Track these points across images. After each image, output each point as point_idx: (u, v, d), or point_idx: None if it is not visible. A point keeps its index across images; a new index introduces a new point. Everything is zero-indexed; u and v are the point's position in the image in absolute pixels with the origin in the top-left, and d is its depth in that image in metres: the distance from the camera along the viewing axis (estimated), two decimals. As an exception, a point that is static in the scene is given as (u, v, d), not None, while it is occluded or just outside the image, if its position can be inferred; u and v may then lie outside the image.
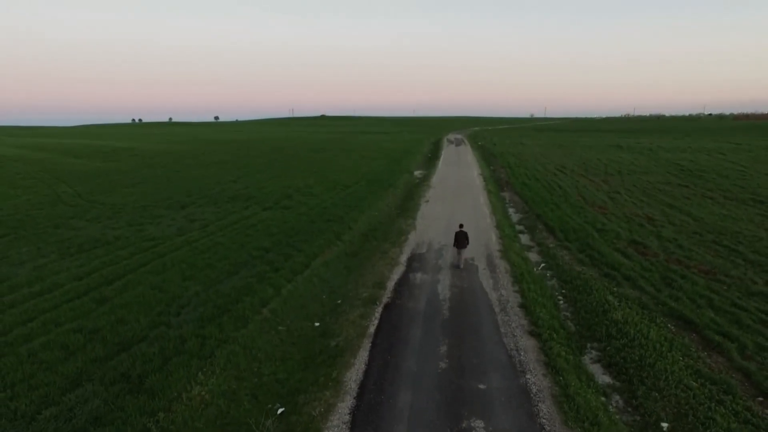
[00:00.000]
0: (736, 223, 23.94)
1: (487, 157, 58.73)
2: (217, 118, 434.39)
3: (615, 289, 15.13)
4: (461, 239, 16.59)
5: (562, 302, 14.35)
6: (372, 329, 12.00)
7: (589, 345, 11.72)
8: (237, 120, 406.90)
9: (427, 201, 29.30)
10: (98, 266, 17.12)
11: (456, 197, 30.25)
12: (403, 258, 17.84)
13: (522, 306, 13.29)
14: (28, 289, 14.92)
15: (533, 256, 19.01)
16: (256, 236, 20.78)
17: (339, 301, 14.43)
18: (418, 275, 15.87)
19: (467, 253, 17.88)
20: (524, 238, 21.68)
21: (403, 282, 15.23)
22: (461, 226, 17.24)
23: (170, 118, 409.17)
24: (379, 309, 13.21)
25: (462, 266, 16.74)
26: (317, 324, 13.03)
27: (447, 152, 64.55)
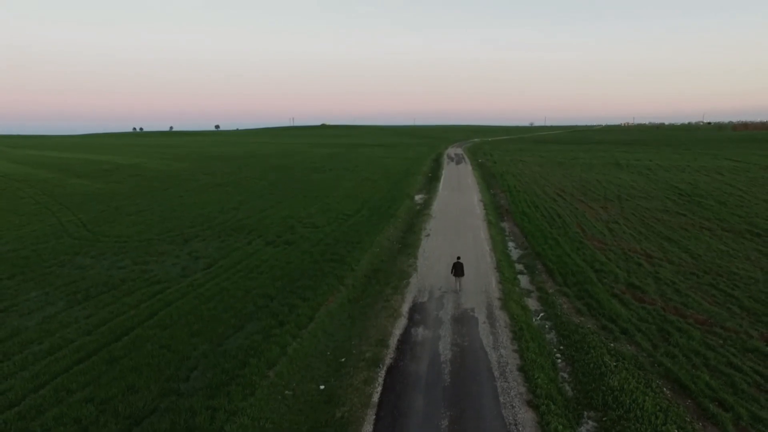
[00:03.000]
0: (732, 261, 24.28)
1: (487, 177, 59.22)
2: (217, 126, 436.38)
3: (612, 345, 15.46)
4: (459, 269, 19.88)
5: (560, 361, 14.67)
6: (376, 398, 12.33)
7: (586, 414, 12.03)
8: (237, 129, 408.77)
9: (428, 235, 29.68)
10: (106, 317, 17.47)
11: (457, 231, 30.61)
12: (405, 308, 18.19)
13: (521, 369, 13.61)
14: (39, 346, 15.27)
15: (532, 303, 19.36)
16: (261, 280, 21.12)
17: (343, 360, 14.76)
18: (420, 330, 16.21)
19: (467, 303, 18.48)
20: (524, 280, 22.03)
21: (405, 339, 15.57)
22: (458, 258, 20.59)
23: (171, 127, 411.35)
24: (382, 373, 13.54)
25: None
26: (322, 387, 13.36)
27: (447, 171, 65.06)
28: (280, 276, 21.66)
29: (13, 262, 24.79)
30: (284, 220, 33.87)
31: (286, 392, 13.01)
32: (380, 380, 13.17)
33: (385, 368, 13.78)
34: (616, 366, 13.88)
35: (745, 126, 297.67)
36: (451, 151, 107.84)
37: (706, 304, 18.96)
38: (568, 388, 13.20)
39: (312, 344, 15.56)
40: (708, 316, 17.80)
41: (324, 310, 17.98)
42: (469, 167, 70.08)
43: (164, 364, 13.88)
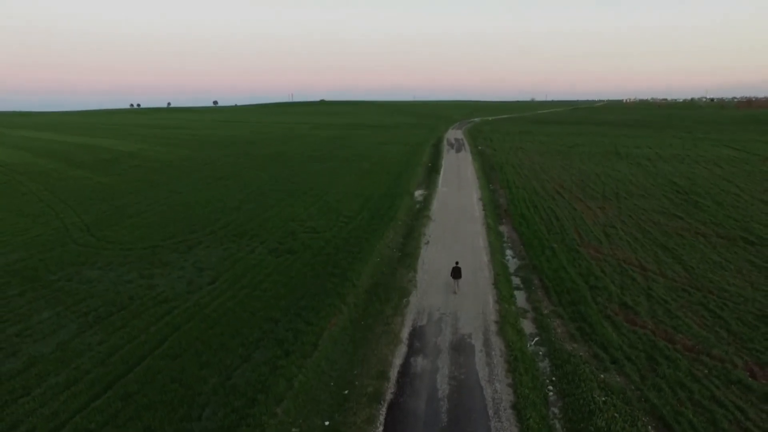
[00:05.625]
0: (724, 275, 24.91)
1: (486, 169, 59.41)
2: (216, 102, 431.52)
3: (602, 376, 16.24)
4: (457, 273, 22.43)
5: (551, 394, 15.45)
6: (378, 440, 13.14)
7: (575, 455, 12.85)
8: (236, 105, 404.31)
9: (428, 242, 30.25)
10: (118, 343, 18.17)
11: (455, 236, 31.21)
12: (405, 333, 18.91)
13: (514, 407, 14.39)
14: (56, 378, 16.00)
15: (528, 325, 20.08)
16: (265, 299, 21.77)
17: (346, 392, 15.54)
18: (419, 360, 16.96)
19: (465, 328, 19.23)
20: (520, 298, 22.71)
21: (404, 371, 16.32)
22: (457, 263, 23.24)
23: (169, 103, 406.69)
24: (383, 410, 14.32)
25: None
26: (327, 423, 14.15)
27: (447, 161, 65.20)
28: (283, 294, 22.31)
29: (22, 274, 25.41)
30: (285, 224, 34.33)
31: (293, 430, 13.80)
32: (381, 419, 13.96)
33: (386, 405, 14.55)
34: (604, 402, 14.66)
35: (748, 102, 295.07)
36: (451, 135, 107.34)
37: (696, 327, 19.67)
38: (558, 425, 14.00)
39: (316, 375, 16.31)
40: (696, 341, 18.50)
41: (327, 335, 18.68)
42: (469, 157, 70.10)
43: (177, 401, 14.62)
